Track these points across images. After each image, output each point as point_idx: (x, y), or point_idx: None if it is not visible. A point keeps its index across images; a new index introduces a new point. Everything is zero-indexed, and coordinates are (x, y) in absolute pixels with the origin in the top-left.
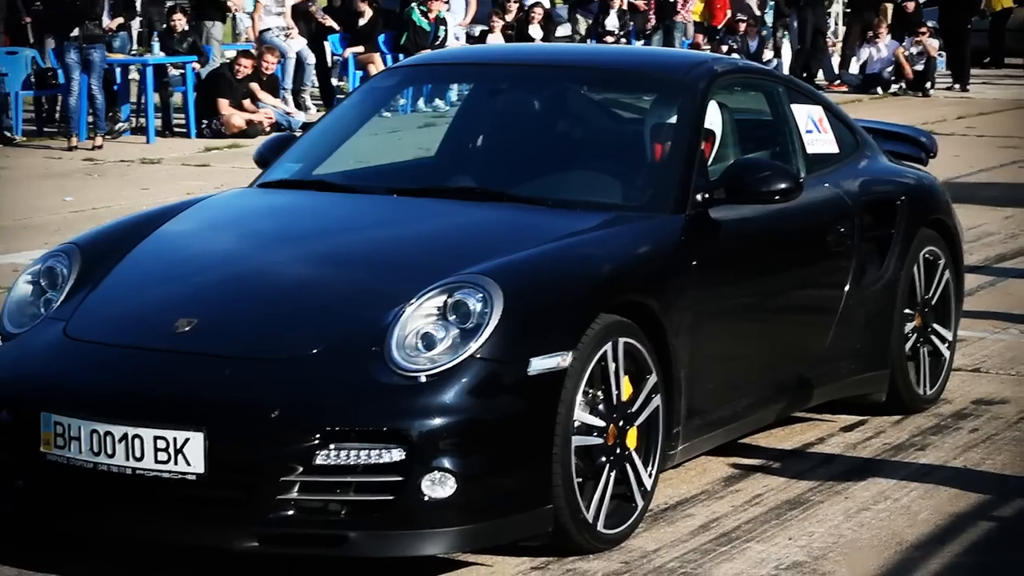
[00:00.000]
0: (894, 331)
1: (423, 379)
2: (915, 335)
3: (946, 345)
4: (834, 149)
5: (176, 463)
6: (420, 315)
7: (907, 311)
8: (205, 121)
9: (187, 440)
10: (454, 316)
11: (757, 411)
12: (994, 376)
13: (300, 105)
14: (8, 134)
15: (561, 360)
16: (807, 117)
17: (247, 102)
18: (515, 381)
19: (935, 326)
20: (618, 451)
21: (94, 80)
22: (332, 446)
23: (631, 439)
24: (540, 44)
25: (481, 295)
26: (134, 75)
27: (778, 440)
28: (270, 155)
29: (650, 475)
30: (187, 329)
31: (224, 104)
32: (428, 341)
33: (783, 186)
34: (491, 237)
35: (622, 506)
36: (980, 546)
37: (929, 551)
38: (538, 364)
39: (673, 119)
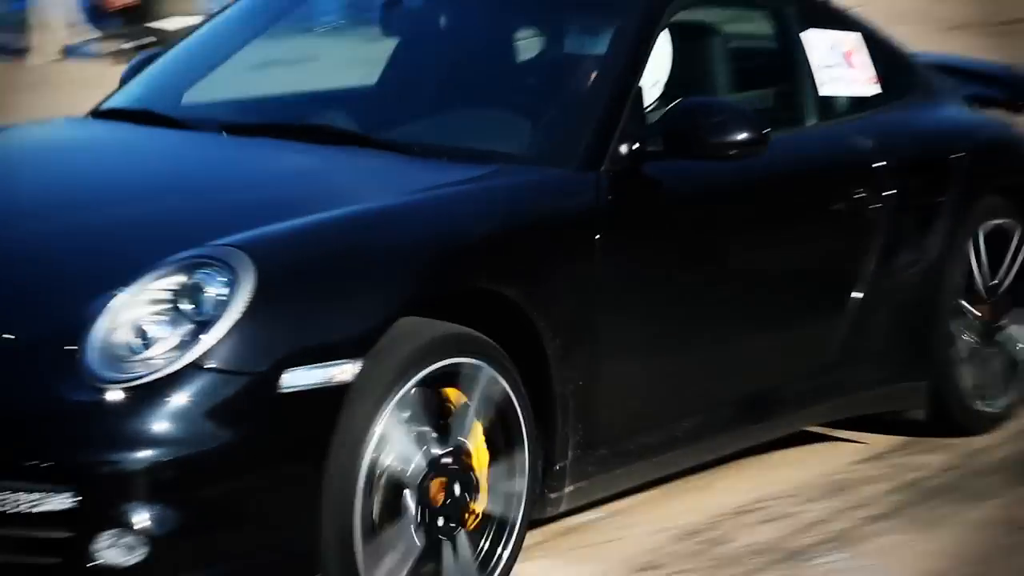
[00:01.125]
0: (938, 329)
1: (121, 393)
2: (973, 333)
3: (1021, 346)
4: (868, 91)
5: None
6: (140, 302)
7: (961, 302)
8: None
9: None
10: (188, 304)
11: (709, 435)
12: None
13: None
14: None
15: (339, 373)
16: (829, 48)
17: None
18: (262, 400)
19: (1006, 321)
20: (449, 507)
21: None
22: None
23: (475, 487)
24: None
25: (225, 276)
26: None
27: None
28: (133, 76)
29: (508, 539)
30: None
31: None
32: (145, 339)
33: (740, 136)
34: (299, 192)
35: None
36: None
37: None
38: (300, 377)
39: (604, 46)
